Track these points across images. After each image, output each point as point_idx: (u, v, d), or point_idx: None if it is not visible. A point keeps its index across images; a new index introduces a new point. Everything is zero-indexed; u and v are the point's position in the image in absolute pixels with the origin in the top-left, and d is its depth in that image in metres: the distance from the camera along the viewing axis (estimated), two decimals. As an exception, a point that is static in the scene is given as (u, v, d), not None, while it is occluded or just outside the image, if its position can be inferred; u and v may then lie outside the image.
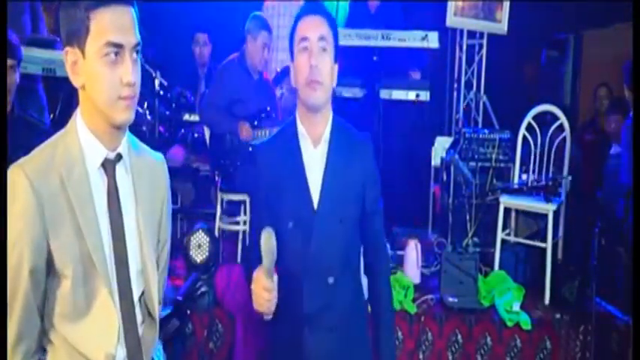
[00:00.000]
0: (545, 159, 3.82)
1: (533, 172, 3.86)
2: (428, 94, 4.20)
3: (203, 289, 3.31)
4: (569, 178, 3.85)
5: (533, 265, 3.80)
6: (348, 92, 4.25)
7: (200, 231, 3.57)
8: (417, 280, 3.64)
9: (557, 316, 3.37)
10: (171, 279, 3.50)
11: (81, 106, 1.38)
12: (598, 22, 5.74)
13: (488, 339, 3.33)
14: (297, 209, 1.70)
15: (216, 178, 4.11)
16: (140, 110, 4.27)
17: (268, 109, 3.93)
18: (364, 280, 1.94)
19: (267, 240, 1.52)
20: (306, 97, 1.73)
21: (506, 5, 5.36)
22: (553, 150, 3.80)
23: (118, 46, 1.31)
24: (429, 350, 3.33)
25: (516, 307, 3.33)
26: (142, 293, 1.45)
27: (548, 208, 3.59)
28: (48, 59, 3.30)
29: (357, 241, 1.86)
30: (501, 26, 5.40)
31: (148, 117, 4.28)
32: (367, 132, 1.94)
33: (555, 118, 3.90)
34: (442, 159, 4.74)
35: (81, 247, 1.31)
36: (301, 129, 1.78)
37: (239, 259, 4.00)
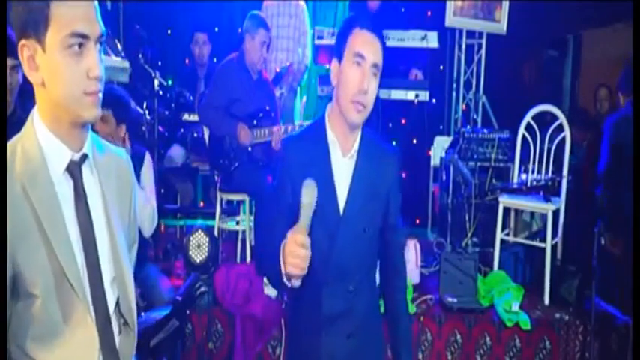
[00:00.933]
0: (544, 159, 3.83)
1: (533, 171, 3.87)
2: (427, 94, 4.20)
3: (202, 289, 3.31)
4: (569, 177, 3.85)
5: (532, 265, 3.81)
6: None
7: (199, 231, 3.57)
8: (416, 280, 3.64)
9: (557, 316, 3.37)
10: (171, 279, 3.50)
11: (38, 105, 1.25)
12: (597, 22, 5.75)
13: (488, 339, 3.33)
14: (323, 212, 1.67)
15: (216, 178, 4.11)
16: (140, 110, 4.27)
17: (267, 108, 3.92)
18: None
19: (310, 193, 1.49)
20: (349, 115, 1.71)
21: (506, 5, 5.36)
22: (552, 150, 3.80)
23: (84, 37, 1.19)
24: (428, 350, 3.33)
25: (515, 307, 3.34)
26: (117, 301, 1.34)
27: (548, 208, 3.59)
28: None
29: (376, 252, 1.88)
30: (500, 26, 5.41)
31: (148, 117, 4.28)
32: (396, 147, 1.94)
33: (555, 117, 3.90)
34: (441, 159, 4.74)
35: (50, 259, 1.20)
36: (331, 136, 1.77)
37: (238, 259, 4.00)
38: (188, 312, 3.21)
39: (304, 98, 5.26)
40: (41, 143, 1.24)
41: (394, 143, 4.97)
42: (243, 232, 4.00)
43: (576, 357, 3.33)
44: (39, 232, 1.20)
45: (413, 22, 5.29)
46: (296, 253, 1.50)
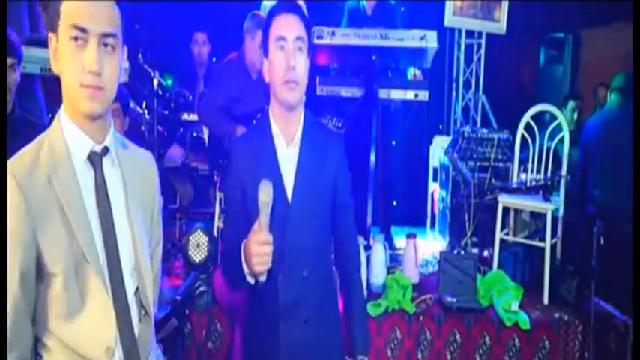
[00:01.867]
0: (543, 158, 3.83)
1: (532, 171, 3.87)
2: (427, 93, 4.20)
3: (202, 288, 3.31)
4: (568, 177, 3.86)
5: (531, 264, 3.80)
6: (346, 92, 4.25)
7: (199, 230, 3.57)
8: (415, 279, 3.64)
9: (556, 315, 3.37)
10: (170, 278, 3.50)
11: (63, 97, 1.36)
12: (596, 22, 5.75)
13: (487, 338, 3.33)
14: (272, 203, 1.72)
15: (215, 177, 4.11)
16: (139, 110, 4.27)
17: (267, 108, 3.92)
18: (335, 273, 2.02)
19: (266, 192, 1.55)
20: (283, 96, 1.79)
21: (505, 5, 5.37)
22: (552, 149, 3.80)
23: (83, 31, 1.28)
24: (428, 350, 3.33)
25: (515, 306, 3.34)
26: (137, 291, 1.42)
27: (547, 208, 3.59)
28: (46, 58, 3.29)
29: (329, 234, 1.93)
30: (500, 26, 5.42)
31: (147, 116, 4.28)
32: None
33: (554, 117, 3.91)
34: (441, 159, 4.74)
35: (72, 242, 1.29)
36: (275, 129, 1.84)
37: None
38: (187, 311, 3.20)
39: (303, 98, 5.25)
40: (65, 134, 1.34)
41: (394, 143, 4.97)
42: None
43: (575, 356, 3.33)
44: (61, 216, 1.29)
45: (411, 22, 5.29)
46: (261, 252, 1.57)
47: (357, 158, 3.67)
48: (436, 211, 5.05)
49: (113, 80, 1.33)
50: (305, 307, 1.83)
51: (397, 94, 4.24)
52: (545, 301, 3.53)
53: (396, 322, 3.30)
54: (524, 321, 3.29)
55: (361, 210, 3.72)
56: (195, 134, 4.59)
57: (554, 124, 3.86)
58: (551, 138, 3.85)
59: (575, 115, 5.15)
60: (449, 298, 3.42)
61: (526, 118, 3.86)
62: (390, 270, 3.64)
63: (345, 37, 4.01)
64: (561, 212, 3.79)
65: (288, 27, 1.76)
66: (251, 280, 1.67)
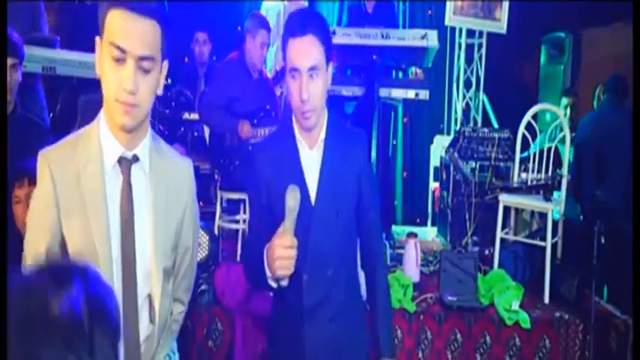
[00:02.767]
0: (544, 158, 3.83)
1: (533, 170, 3.87)
2: (427, 93, 4.20)
3: (202, 287, 3.31)
4: (569, 177, 3.85)
5: (532, 263, 3.80)
6: (347, 91, 4.25)
7: (200, 229, 3.57)
8: (416, 278, 3.64)
9: (557, 314, 3.37)
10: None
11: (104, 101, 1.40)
12: (597, 21, 5.75)
13: (488, 338, 3.33)
14: None
15: (216, 176, 4.11)
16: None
17: (268, 107, 3.93)
18: (361, 273, 2.01)
19: (294, 196, 1.55)
20: (300, 122, 1.78)
21: (506, 4, 5.37)
22: (552, 149, 3.80)
23: (121, 50, 1.30)
24: (428, 349, 3.33)
25: (515, 305, 3.34)
26: (149, 295, 1.46)
27: (548, 207, 3.59)
28: (47, 58, 3.30)
29: (354, 234, 1.92)
30: (501, 25, 5.42)
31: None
32: (362, 128, 1.99)
33: (554, 117, 3.91)
34: (441, 158, 4.74)
35: (87, 238, 1.35)
36: (298, 135, 1.83)
37: (238, 258, 4.00)
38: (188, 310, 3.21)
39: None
40: (100, 136, 1.40)
41: (394, 142, 4.97)
42: (244, 230, 4.00)
43: (576, 356, 3.33)
44: (81, 212, 1.36)
45: (411, 22, 5.29)
46: (286, 255, 1.56)
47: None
48: (437, 210, 5.05)
49: (148, 98, 1.37)
50: (330, 307, 1.82)
51: (398, 94, 4.24)
52: (546, 300, 3.53)
53: (396, 321, 3.29)
54: (525, 320, 3.29)
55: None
56: (196, 133, 4.59)
57: (555, 123, 3.86)
58: (551, 139, 3.85)
59: (569, 112, 5.13)
60: (449, 298, 3.42)
61: (527, 117, 3.86)
62: (390, 269, 3.64)
63: (346, 36, 4.01)
64: (562, 212, 3.79)
65: (301, 56, 1.70)
66: (273, 284, 1.66)
